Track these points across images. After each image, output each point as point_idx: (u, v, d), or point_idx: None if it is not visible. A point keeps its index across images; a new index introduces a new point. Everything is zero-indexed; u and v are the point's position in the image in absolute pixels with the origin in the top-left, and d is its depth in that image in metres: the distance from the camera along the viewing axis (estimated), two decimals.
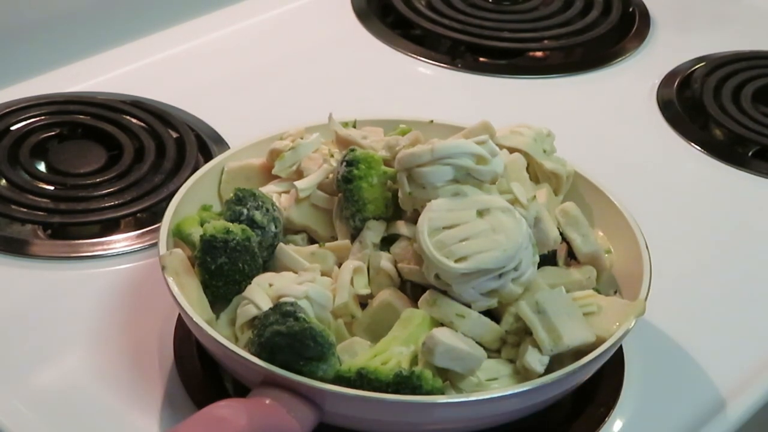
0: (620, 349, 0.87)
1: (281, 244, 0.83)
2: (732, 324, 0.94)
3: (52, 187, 1.00)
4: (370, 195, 0.83)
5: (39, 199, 0.99)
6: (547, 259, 0.84)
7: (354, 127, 0.93)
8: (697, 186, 1.09)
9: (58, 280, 0.93)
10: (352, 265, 0.81)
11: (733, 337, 0.92)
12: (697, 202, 1.07)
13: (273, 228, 0.83)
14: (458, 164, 0.79)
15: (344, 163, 0.83)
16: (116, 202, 0.99)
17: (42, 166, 1.03)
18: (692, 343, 0.91)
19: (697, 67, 1.24)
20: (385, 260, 0.81)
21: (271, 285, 0.79)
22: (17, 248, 0.95)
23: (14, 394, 0.83)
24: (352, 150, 0.83)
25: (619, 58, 1.26)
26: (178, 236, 0.84)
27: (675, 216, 1.04)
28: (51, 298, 0.92)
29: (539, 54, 1.27)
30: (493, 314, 0.80)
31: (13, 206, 0.98)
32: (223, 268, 0.80)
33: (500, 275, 0.77)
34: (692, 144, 1.13)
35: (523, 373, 0.77)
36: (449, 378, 0.76)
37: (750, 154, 1.13)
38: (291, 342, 0.73)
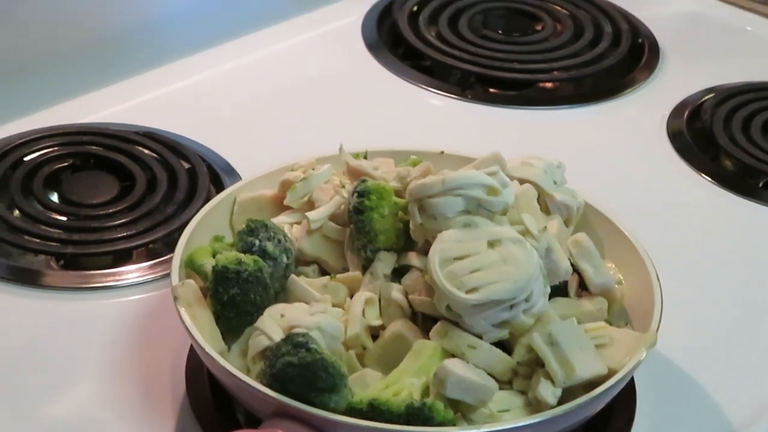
0: (632, 380, 0.87)
1: (293, 276, 0.83)
2: (743, 355, 0.94)
3: (64, 218, 1.01)
4: (382, 226, 0.83)
5: (52, 229, 0.99)
6: (559, 290, 0.84)
7: (365, 158, 0.94)
8: (708, 217, 1.09)
9: (71, 311, 0.93)
10: (363, 297, 0.81)
11: (744, 368, 0.92)
12: (707, 233, 1.07)
13: (285, 259, 0.83)
14: (469, 195, 0.79)
15: (355, 194, 0.83)
16: (128, 233, 0.99)
17: (55, 197, 1.04)
18: (704, 375, 0.90)
19: (706, 98, 1.24)
20: (396, 291, 0.81)
21: (282, 316, 0.79)
22: (30, 279, 0.95)
23: (27, 425, 0.83)
24: (363, 181, 0.84)
25: (629, 89, 1.26)
26: (191, 267, 0.84)
27: (685, 247, 1.04)
28: (63, 328, 0.92)
29: (549, 85, 1.28)
30: (504, 345, 0.80)
31: (26, 237, 0.98)
32: (235, 299, 0.80)
33: (511, 306, 0.77)
34: (702, 175, 1.13)
35: (534, 405, 0.77)
36: (461, 409, 0.76)
37: (761, 185, 1.13)
38: (303, 373, 0.73)
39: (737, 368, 0.92)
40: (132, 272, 0.97)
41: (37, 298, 0.94)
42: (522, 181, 0.88)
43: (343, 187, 0.88)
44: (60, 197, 1.04)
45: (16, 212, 1.01)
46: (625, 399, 0.87)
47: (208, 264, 0.82)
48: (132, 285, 0.96)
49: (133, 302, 0.94)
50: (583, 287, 0.86)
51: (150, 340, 0.90)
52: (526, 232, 0.81)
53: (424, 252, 0.81)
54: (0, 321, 0.92)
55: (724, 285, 1.01)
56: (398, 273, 0.83)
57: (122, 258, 0.98)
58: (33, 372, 0.88)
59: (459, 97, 1.23)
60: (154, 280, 0.96)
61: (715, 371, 0.91)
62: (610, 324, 0.84)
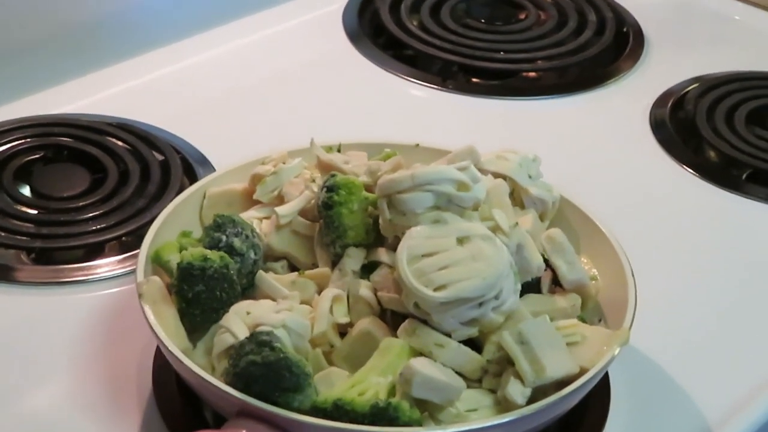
0: (606, 376, 0.86)
1: (261, 272, 0.82)
2: (721, 352, 0.92)
3: (35, 211, 1.00)
4: (351, 221, 0.81)
5: (21, 223, 0.98)
6: (531, 287, 0.83)
7: (339, 151, 0.92)
8: (689, 210, 1.07)
9: (41, 306, 0.92)
10: (331, 294, 0.79)
11: (721, 365, 0.91)
12: (689, 227, 1.05)
13: (252, 255, 0.82)
14: (439, 191, 0.78)
15: (324, 189, 0.82)
16: (100, 226, 0.98)
17: (26, 190, 1.02)
18: (680, 371, 0.89)
19: (690, 87, 1.22)
20: (364, 288, 0.80)
21: (248, 313, 0.78)
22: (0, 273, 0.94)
23: None
24: (333, 175, 0.82)
25: (613, 79, 1.25)
26: (157, 263, 0.83)
27: (666, 241, 1.03)
28: (32, 323, 0.90)
29: (533, 74, 1.26)
30: (475, 343, 0.78)
31: None
32: (200, 296, 0.79)
33: (480, 304, 0.76)
34: (685, 166, 1.12)
35: (504, 404, 0.76)
36: (428, 409, 0.74)
37: (744, 177, 1.11)
38: (266, 372, 0.72)
39: (714, 365, 0.91)
40: (103, 266, 0.96)
41: (7, 294, 0.93)
42: (496, 175, 0.87)
43: (314, 181, 0.87)
44: (31, 190, 1.02)
45: None
46: (600, 395, 0.86)
47: (174, 260, 0.81)
48: (103, 279, 0.95)
49: (103, 297, 0.93)
50: (556, 283, 0.85)
51: (119, 335, 0.89)
52: (497, 228, 0.80)
53: (394, 248, 0.79)
54: None
55: (704, 280, 0.99)
56: (368, 269, 0.82)
57: (94, 252, 0.97)
58: (0, 369, 0.86)
59: (440, 87, 1.21)
60: (125, 274, 0.95)
61: (692, 368, 0.90)
62: (584, 320, 0.83)
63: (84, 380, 0.85)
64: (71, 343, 0.88)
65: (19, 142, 1.06)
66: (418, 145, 0.93)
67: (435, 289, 0.75)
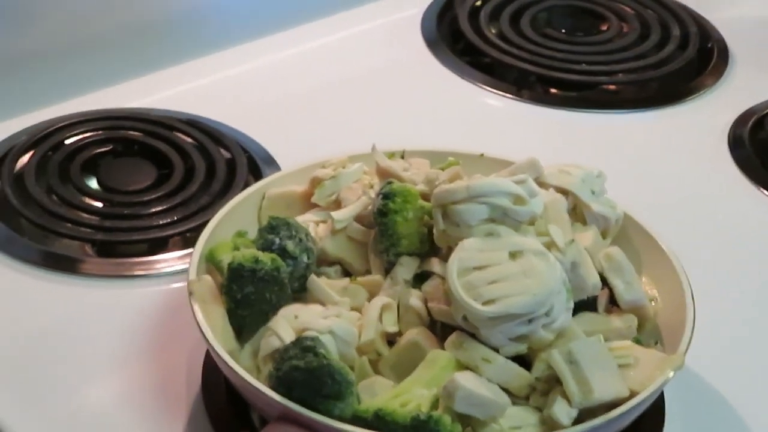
0: (661, 398, 0.84)
1: (313, 276, 0.81)
2: None
3: (101, 204, 1.00)
4: (405, 230, 0.80)
5: (87, 215, 0.99)
6: (587, 305, 0.81)
7: (402, 157, 0.91)
8: (763, 234, 1.04)
9: (102, 299, 0.93)
10: (380, 302, 0.79)
11: None
12: (759, 252, 1.02)
13: (305, 259, 0.81)
14: (494, 203, 0.77)
15: (380, 196, 0.81)
16: (163, 222, 0.98)
17: (93, 182, 1.03)
18: (740, 398, 0.87)
19: None
20: (414, 298, 0.79)
21: (296, 317, 0.77)
22: (64, 265, 0.95)
23: (37, 413, 0.83)
24: (389, 182, 0.81)
25: (694, 95, 1.22)
26: (211, 262, 0.83)
27: (734, 264, 1.00)
28: (93, 316, 0.91)
29: (612, 87, 1.24)
30: (525, 360, 0.77)
31: (61, 222, 0.97)
32: (249, 297, 0.78)
33: (530, 320, 0.74)
34: (762, 189, 1.09)
35: (549, 423, 0.74)
36: (471, 424, 0.73)
37: None
38: (308, 378, 0.71)
39: None
40: (165, 261, 0.96)
41: (70, 284, 0.93)
42: (558, 190, 0.85)
43: (372, 187, 0.86)
44: (98, 183, 1.03)
45: (54, 196, 1.00)
46: (654, 418, 0.84)
47: (227, 260, 0.81)
48: (164, 275, 0.95)
49: (164, 292, 0.93)
50: (614, 303, 0.83)
51: (175, 331, 0.89)
52: (551, 244, 0.78)
53: (447, 259, 0.78)
54: (30, 307, 0.92)
55: None
56: (421, 279, 0.81)
57: (157, 247, 0.97)
58: (53, 361, 0.87)
59: (516, 97, 1.19)
60: (186, 270, 0.94)
61: (753, 396, 0.87)
62: (640, 342, 0.81)
63: (135, 375, 0.86)
64: (129, 336, 0.89)
65: (90, 134, 1.06)
66: (482, 155, 0.92)
67: (484, 303, 0.74)
